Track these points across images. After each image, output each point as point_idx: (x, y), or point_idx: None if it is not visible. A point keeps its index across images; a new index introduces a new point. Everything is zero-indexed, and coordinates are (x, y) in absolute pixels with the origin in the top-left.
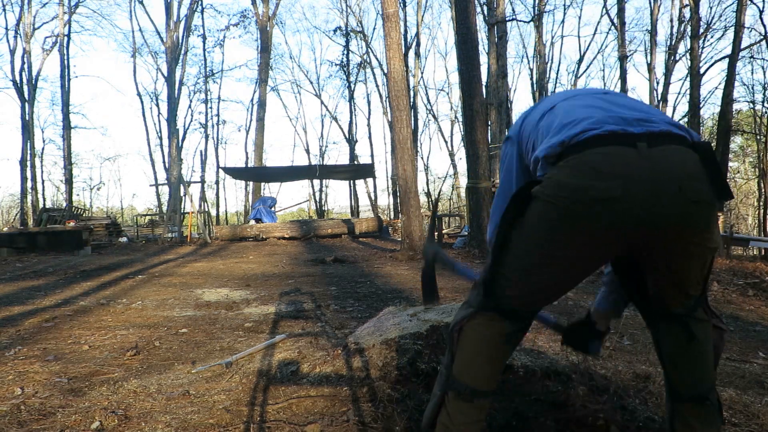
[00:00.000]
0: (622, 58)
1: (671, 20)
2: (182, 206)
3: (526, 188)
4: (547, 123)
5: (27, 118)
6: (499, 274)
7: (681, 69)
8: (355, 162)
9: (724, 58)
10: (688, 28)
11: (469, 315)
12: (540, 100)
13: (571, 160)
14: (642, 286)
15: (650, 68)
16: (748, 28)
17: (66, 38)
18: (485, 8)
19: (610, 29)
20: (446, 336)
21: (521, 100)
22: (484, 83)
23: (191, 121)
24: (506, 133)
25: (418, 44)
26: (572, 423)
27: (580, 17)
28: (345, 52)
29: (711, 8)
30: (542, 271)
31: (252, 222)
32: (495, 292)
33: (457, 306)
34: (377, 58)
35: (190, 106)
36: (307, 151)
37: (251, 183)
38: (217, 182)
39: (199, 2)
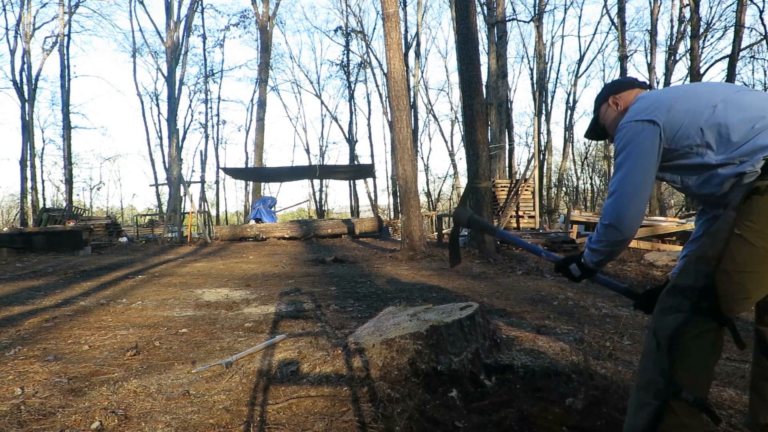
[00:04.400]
0: (623, 58)
1: (671, 20)
2: (182, 206)
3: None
4: (730, 115)
5: (27, 118)
6: (718, 279)
7: (681, 69)
8: (355, 162)
9: (724, 58)
10: (688, 28)
11: (684, 320)
12: (672, 89)
13: None
14: None
15: (650, 68)
16: (748, 28)
17: (66, 38)
18: (485, 8)
19: (610, 29)
20: (659, 343)
21: (521, 100)
22: (484, 83)
23: (191, 121)
24: (633, 117)
25: (418, 44)
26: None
27: (580, 17)
28: (345, 52)
29: (711, 8)
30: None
31: (252, 222)
32: (710, 298)
33: (457, 306)
34: (377, 58)
35: (190, 106)
36: (307, 151)
37: (251, 183)
38: (217, 182)
39: (199, 2)
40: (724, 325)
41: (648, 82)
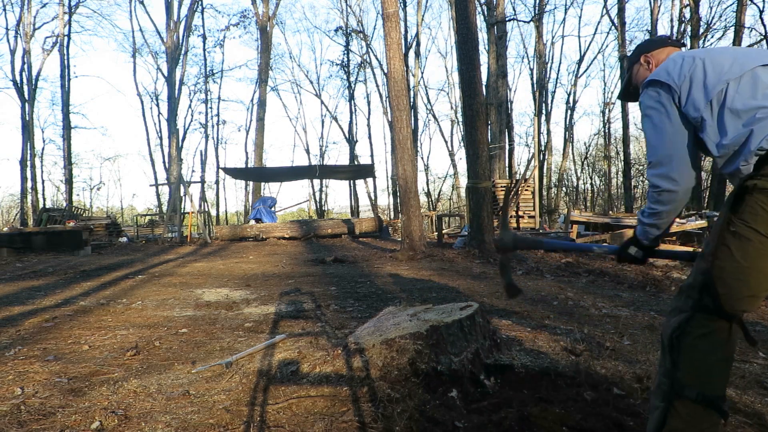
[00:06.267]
0: (623, 58)
1: (671, 20)
2: (182, 206)
3: (743, 183)
4: (738, 98)
5: (27, 118)
6: (716, 276)
7: None
8: (355, 162)
9: None
10: (688, 28)
11: (687, 319)
12: (698, 53)
13: None
14: None
15: None
16: (748, 28)
17: (66, 38)
18: (485, 8)
19: (610, 29)
20: (664, 344)
21: (521, 100)
22: (484, 83)
23: (191, 121)
24: (650, 77)
25: (418, 44)
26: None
27: (580, 17)
28: (345, 52)
29: (711, 8)
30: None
31: (252, 222)
32: (711, 295)
33: (457, 306)
34: (377, 58)
35: (190, 106)
36: (307, 151)
37: (251, 183)
38: (217, 182)
39: (199, 2)
40: (731, 321)
41: (682, 40)
